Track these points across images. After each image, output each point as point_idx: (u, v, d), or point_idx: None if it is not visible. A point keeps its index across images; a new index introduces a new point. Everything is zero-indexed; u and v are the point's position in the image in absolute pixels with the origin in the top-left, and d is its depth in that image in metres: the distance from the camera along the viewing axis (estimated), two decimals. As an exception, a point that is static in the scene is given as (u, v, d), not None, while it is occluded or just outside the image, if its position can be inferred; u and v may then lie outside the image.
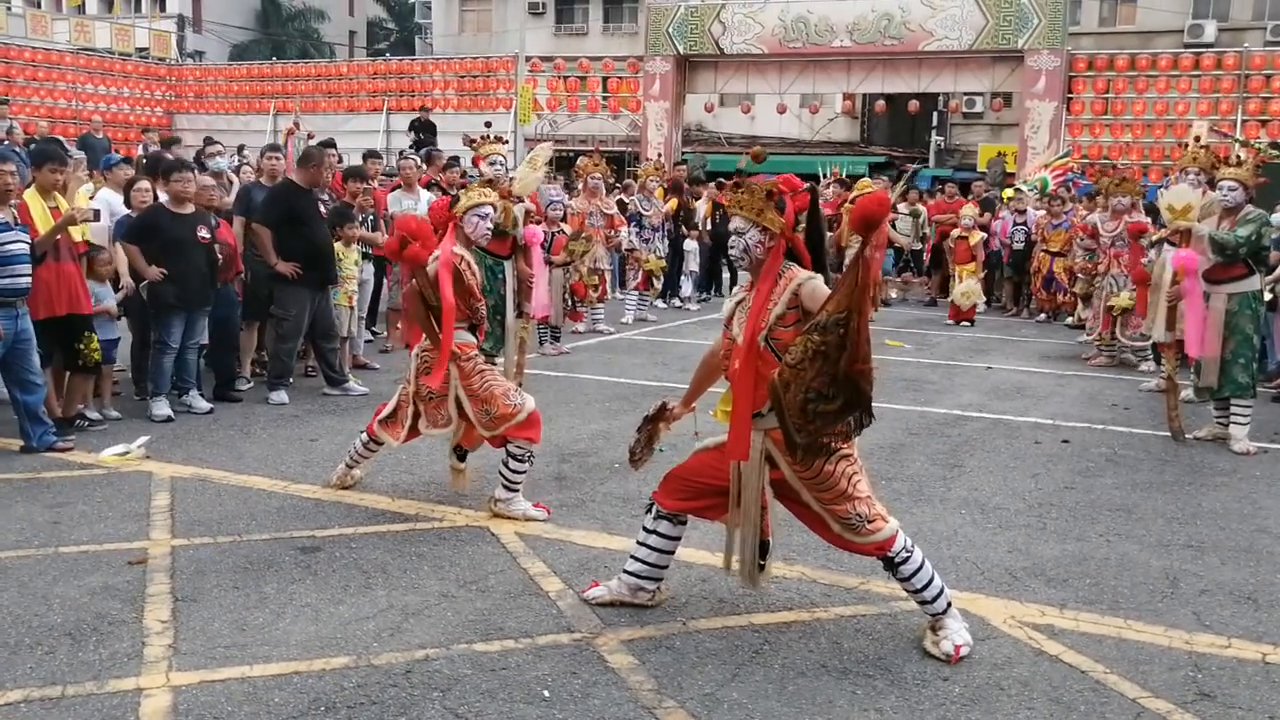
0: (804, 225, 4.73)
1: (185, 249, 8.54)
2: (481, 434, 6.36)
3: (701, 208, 18.87)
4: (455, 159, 14.98)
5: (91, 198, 9.64)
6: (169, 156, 11.35)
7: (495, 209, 6.72)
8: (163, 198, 8.85)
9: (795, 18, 24.85)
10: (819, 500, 4.60)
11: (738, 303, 4.75)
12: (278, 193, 9.70)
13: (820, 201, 5.00)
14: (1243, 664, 4.65)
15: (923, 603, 4.70)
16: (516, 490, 6.36)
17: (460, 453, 6.65)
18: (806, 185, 4.73)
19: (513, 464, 6.30)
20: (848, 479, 4.56)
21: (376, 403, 9.29)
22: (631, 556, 5.05)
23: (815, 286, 4.52)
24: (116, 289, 8.78)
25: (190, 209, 8.73)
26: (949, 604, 4.71)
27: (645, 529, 5.02)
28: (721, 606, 5.11)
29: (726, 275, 18.73)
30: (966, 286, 16.22)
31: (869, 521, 4.58)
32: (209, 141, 15.24)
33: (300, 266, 9.28)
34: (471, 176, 11.81)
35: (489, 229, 6.58)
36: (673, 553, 5.04)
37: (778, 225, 4.61)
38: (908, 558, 4.63)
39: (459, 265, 6.28)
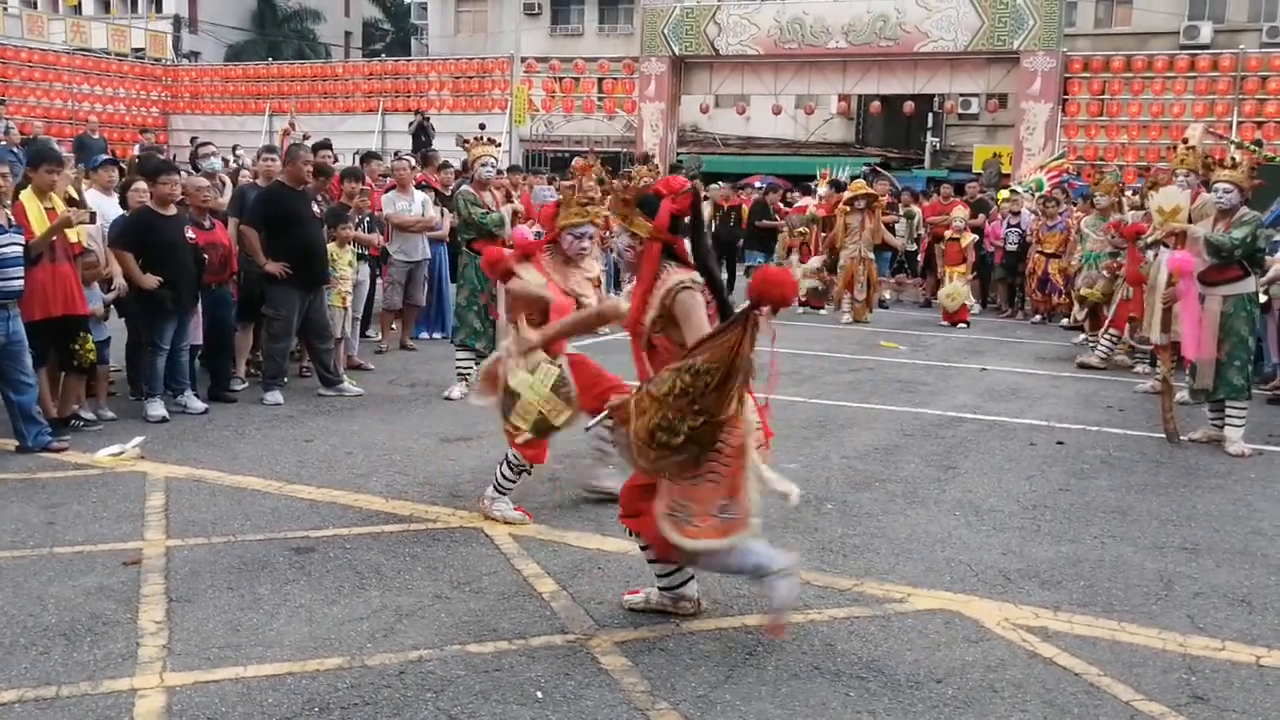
0: (686, 226, 4.66)
1: (176, 252, 8.53)
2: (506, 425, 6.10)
3: (705, 210, 18.86)
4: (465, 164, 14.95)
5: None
6: (159, 157, 11.33)
7: (596, 226, 6.68)
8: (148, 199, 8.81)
9: (791, 19, 24.91)
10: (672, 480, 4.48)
11: None
12: (266, 193, 9.70)
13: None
14: (1236, 667, 4.66)
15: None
16: (504, 494, 6.35)
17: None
18: (688, 186, 4.64)
19: (507, 470, 6.29)
20: (710, 464, 4.46)
21: (371, 404, 9.36)
22: (655, 574, 4.98)
23: (687, 302, 4.45)
24: (108, 290, 8.77)
25: (174, 210, 8.71)
26: (779, 569, 4.58)
27: (641, 548, 4.96)
28: (715, 608, 5.10)
29: (725, 276, 18.70)
30: (952, 288, 16.22)
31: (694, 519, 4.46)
32: (197, 143, 15.17)
33: (290, 266, 9.26)
34: (464, 179, 11.79)
35: (584, 248, 6.52)
36: None
37: (645, 230, 4.58)
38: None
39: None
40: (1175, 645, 4.85)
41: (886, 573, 5.64)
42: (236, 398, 9.42)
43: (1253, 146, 16.51)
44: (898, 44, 24.10)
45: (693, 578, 4.97)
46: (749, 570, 4.62)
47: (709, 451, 4.38)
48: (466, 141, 10.77)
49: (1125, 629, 5.02)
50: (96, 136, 21.86)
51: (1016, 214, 17.30)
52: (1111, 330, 12.50)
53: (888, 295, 18.92)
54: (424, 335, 12.99)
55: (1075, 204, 16.36)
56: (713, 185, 20.60)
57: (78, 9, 41.97)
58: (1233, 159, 9.02)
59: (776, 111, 27.44)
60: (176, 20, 47.74)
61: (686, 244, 4.70)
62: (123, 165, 11.50)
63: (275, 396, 9.34)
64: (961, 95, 29.56)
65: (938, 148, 36.68)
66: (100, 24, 35.86)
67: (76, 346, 7.92)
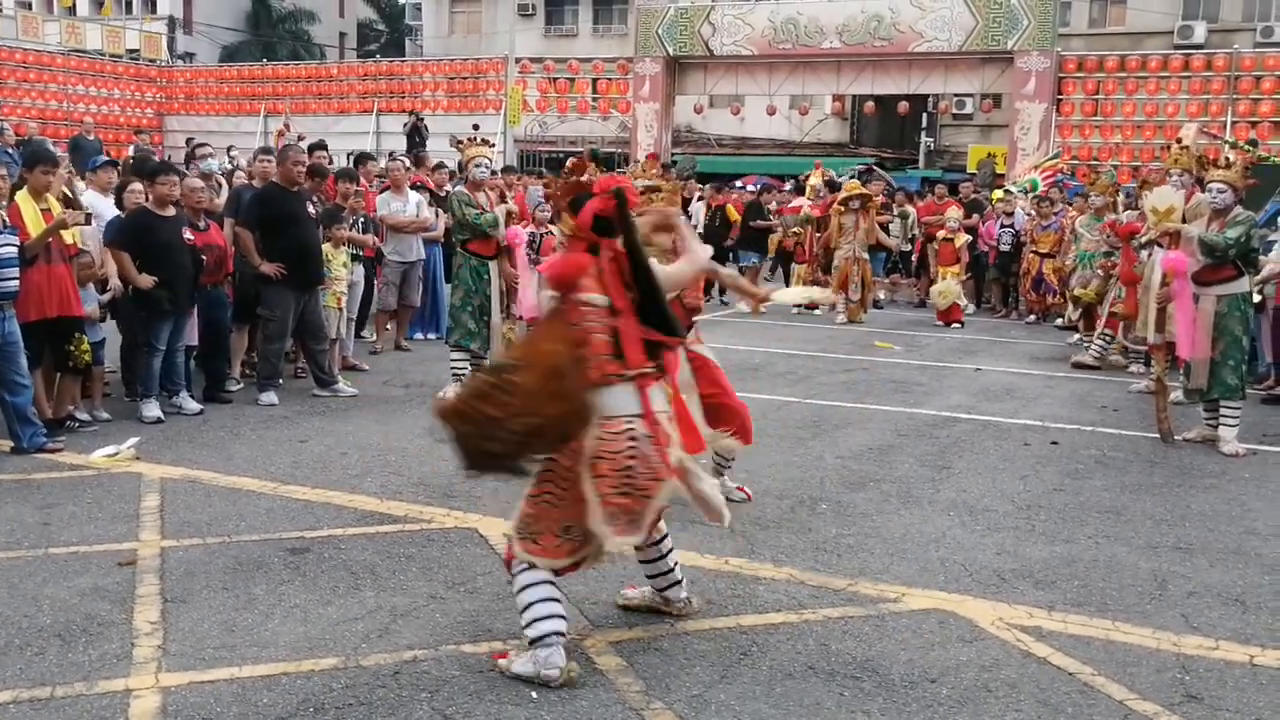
0: (614, 227, 4.52)
1: (173, 252, 8.53)
2: None
3: (699, 210, 18.83)
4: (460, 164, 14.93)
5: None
6: (155, 158, 11.32)
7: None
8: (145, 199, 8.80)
9: (785, 19, 24.90)
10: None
11: None
12: (261, 194, 9.70)
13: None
14: (1230, 666, 4.67)
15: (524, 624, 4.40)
16: None
17: None
18: (614, 189, 4.51)
19: None
20: (545, 485, 4.39)
21: (366, 404, 9.36)
22: (645, 574, 4.95)
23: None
24: (103, 291, 8.77)
25: (172, 211, 8.71)
26: (545, 636, 4.32)
27: (634, 548, 4.82)
28: (710, 608, 5.11)
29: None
30: (943, 286, 16.20)
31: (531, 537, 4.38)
32: (194, 144, 15.15)
33: (285, 267, 9.26)
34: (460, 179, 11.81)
35: None
36: (663, 556, 4.91)
37: (568, 227, 4.57)
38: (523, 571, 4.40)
39: None
40: (1169, 645, 4.87)
41: (881, 573, 5.64)
42: (231, 398, 9.42)
43: (1247, 146, 16.55)
44: (892, 44, 24.09)
45: (680, 580, 4.97)
46: (526, 619, 4.33)
47: (535, 455, 4.29)
48: (460, 142, 10.77)
49: (1119, 628, 5.03)
50: (91, 138, 21.80)
51: (1010, 214, 17.29)
52: (1106, 330, 12.51)
53: (882, 295, 18.92)
54: (419, 336, 13.01)
55: (1070, 204, 16.36)
56: (705, 185, 20.62)
57: (72, 10, 41.91)
58: (1227, 159, 9.04)
59: (771, 112, 27.44)
60: (171, 21, 47.71)
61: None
62: (119, 166, 11.47)
63: (270, 397, 9.33)
64: (956, 95, 29.55)
65: (932, 148, 36.68)
66: (95, 25, 35.75)
67: (72, 347, 7.92)
